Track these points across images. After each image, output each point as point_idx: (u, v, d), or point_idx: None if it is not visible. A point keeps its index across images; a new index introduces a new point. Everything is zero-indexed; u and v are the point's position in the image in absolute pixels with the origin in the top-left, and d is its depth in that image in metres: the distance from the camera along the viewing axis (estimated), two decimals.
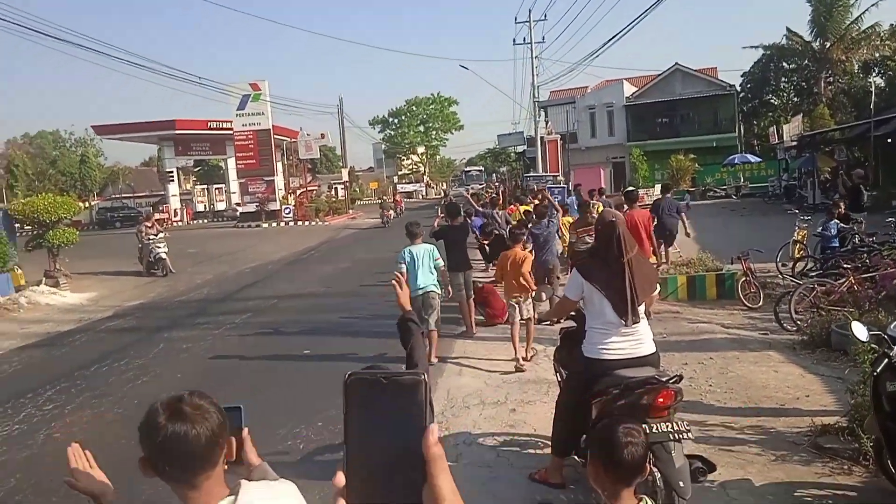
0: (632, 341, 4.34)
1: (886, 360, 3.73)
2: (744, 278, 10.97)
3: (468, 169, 67.28)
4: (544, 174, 32.39)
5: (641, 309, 4.38)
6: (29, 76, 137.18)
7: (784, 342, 8.37)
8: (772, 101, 49.20)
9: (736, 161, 36.61)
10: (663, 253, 13.75)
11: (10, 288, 15.20)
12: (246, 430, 2.04)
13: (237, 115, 38.76)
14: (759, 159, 38.69)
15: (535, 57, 38.17)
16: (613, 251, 4.33)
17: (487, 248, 9.81)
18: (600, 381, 4.32)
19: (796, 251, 13.26)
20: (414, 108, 76.20)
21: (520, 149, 55.52)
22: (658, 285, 4.65)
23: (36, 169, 49.72)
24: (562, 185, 22.50)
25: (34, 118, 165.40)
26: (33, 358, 10.08)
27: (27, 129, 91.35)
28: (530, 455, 5.35)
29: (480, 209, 13.25)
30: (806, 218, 14.04)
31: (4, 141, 66.46)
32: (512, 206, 13.22)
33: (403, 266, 8.12)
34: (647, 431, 3.92)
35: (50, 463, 5.53)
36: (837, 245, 12.04)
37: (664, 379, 4.00)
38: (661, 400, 3.95)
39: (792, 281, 10.41)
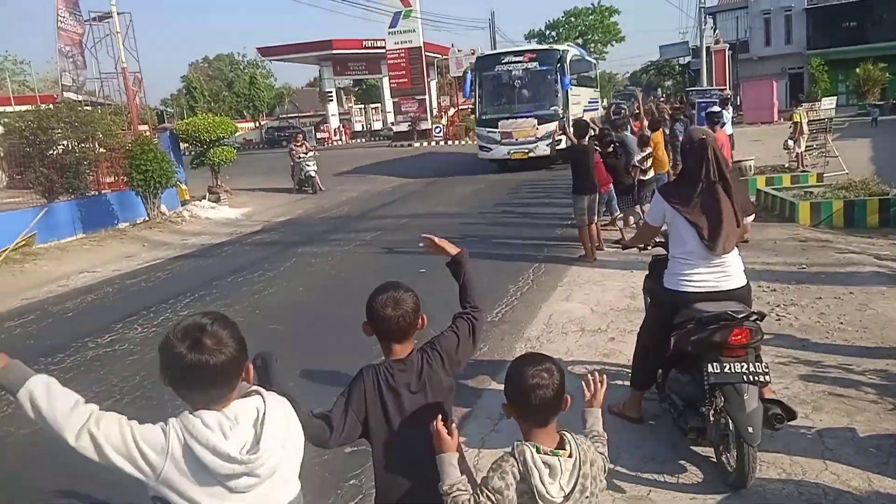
0: (717, 273, 3.96)
1: None
2: None
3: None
4: (709, 88, 30.11)
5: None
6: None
7: None
8: None
9: None
10: None
11: (176, 202, 16.68)
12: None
13: (389, 33, 39.06)
14: None
15: None
16: (704, 172, 3.91)
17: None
18: (680, 313, 4.02)
19: None
20: (572, 20, 72.58)
21: (684, 61, 51.84)
22: (754, 213, 4.17)
23: (211, 91, 53.23)
24: (713, 98, 20.65)
25: (217, 42, 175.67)
26: (184, 267, 11.06)
27: (208, 52, 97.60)
28: (617, 386, 5.12)
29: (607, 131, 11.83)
30: None
31: (189, 64, 71.81)
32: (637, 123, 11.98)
33: None
34: (718, 370, 3.63)
35: None
36: None
37: (740, 316, 3.62)
38: (735, 338, 3.61)
39: None
